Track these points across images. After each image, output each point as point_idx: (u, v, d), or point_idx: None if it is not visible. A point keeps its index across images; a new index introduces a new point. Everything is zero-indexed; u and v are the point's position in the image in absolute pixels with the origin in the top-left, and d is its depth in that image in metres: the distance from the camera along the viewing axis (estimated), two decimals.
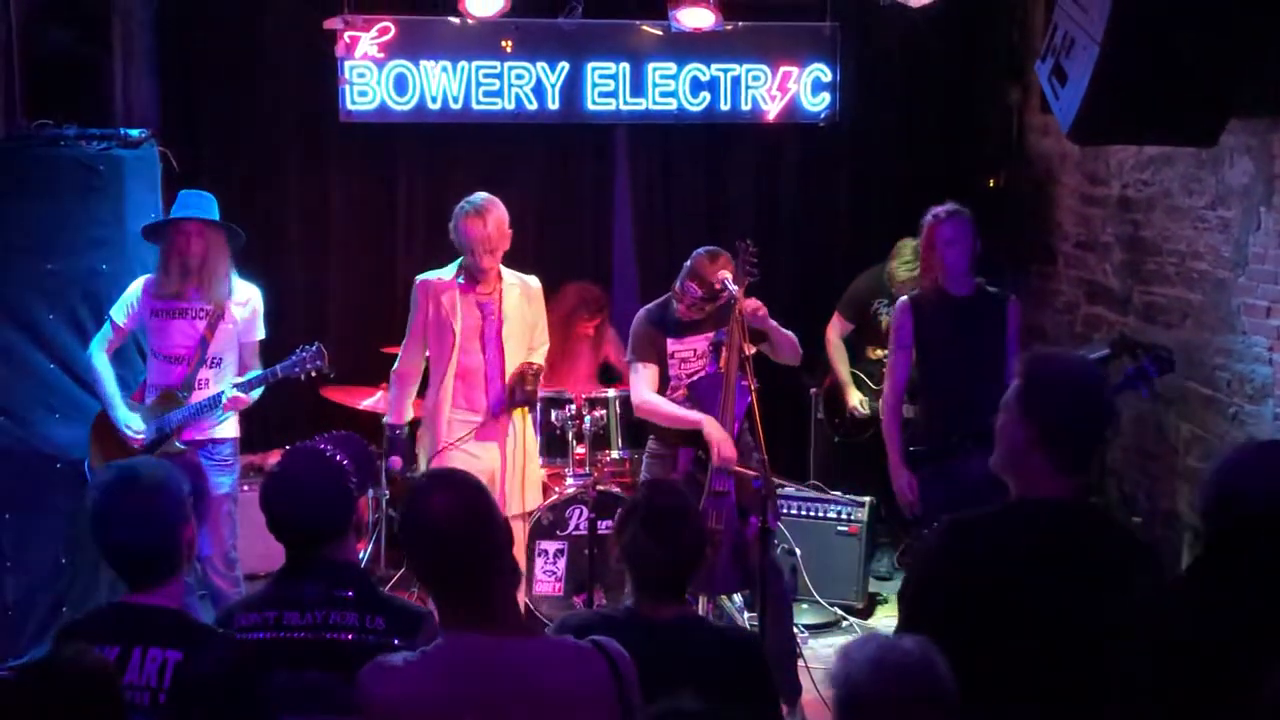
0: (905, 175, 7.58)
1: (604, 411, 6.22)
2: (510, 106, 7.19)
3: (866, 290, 6.93)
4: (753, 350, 5.22)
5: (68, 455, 5.70)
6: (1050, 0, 5.17)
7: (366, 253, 7.42)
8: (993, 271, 5.79)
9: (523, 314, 5.53)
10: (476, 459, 5.37)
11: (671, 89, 7.34)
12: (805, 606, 6.38)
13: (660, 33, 7.16)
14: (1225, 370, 5.73)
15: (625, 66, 7.28)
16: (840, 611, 6.49)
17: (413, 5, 7.16)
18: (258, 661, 2.91)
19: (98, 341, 5.54)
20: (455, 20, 6.94)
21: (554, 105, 7.24)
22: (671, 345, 5.46)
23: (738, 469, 5.19)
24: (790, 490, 6.56)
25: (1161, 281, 6.24)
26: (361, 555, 6.61)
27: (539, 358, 5.64)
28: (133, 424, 5.44)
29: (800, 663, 5.38)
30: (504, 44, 7.11)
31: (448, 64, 7.09)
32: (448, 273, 5.49)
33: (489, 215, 5.34)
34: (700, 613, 5.65)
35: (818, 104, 7.46)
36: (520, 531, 5.69)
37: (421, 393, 5.66)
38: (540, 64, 7.19)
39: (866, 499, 6.56)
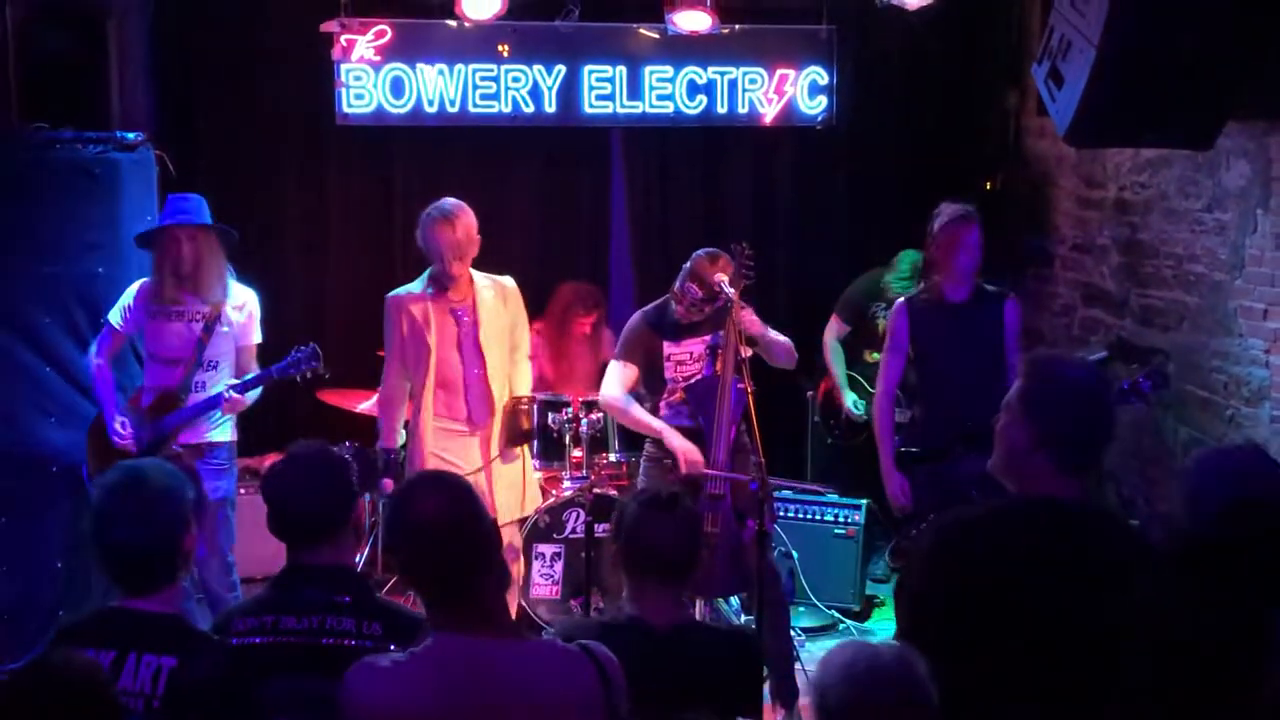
0: (902, 178, 7.59)
1: (601, 415, 6.21)
2: (507, 110, 7.19)
3: (864, 293, 6.93)
4: (749, 353, 5.22)
5: (63, 459, 5.70)
6: (1047, 3, 5.18)
7: (364, 256, 7.42)
8: (990, 274, 5.79)
9: (498, 315, 5.50)
10: (460, 469, 5.33)
11: (668, 92, 7.35)
12: (802, 609, 6.38)
13: (657, 36, 7.16)
14: (1222, 373, 5.74)
15: (622, 70, 7.28)
16: (837, 614, 6.49)
17: (409, 8, 7.15)
18: (254, 667, 2.90)
19: (96, 346, 5.54)
20: (452, 23, 6.94)
21: (551, 108, 7.24)
22: (668, 348, 5.45)
23: (709, 472, 5.21)
24: (788, 493, 6.57)
25: (1158, 284, 6.24)
26: (358, 559, 6.62)
27: (522, 360, 5.64)
28: (122, 429, 5.42)
29: (798, 666, 5.38)
30: (501, 47, 7.11)
31: (444, 67, 7.09)
32: (416, 285, 5.47)
33: (458, 221, 5.32)
34: (698, 616, 5.66)
35: (814, 107, 7.47)
36: (517, 537, 5.68)
37: None
38: (537, 67, 7.18)
39: (863, 501, 6.56)
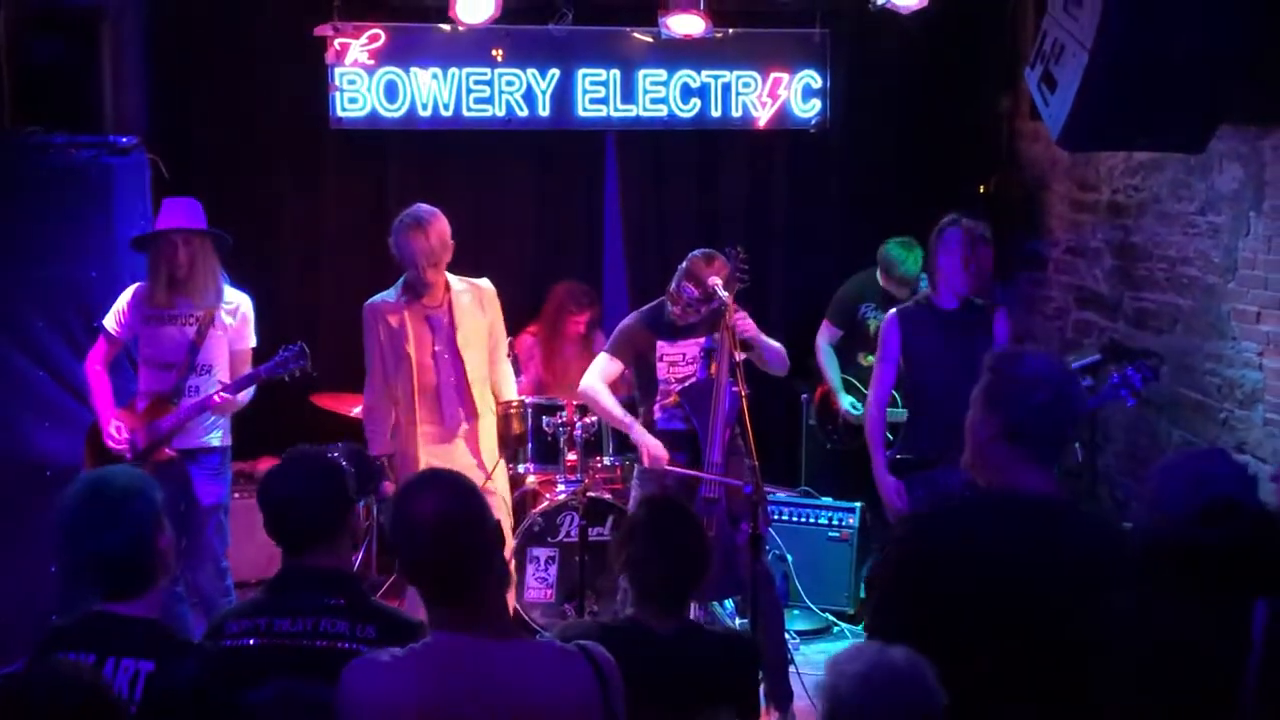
0: (896, 182, 7.59)
1: (595, 419, 6.21)
2: (501, 114, 7.20)
3: (853, 295, 6.94)
4: (742, 356, 5.23)
5: (57, 463, 5.68)
6: (1040, 6, 5.19)
7: (358, 259, 7.40)
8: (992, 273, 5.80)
9: (474, 318, 5.51)
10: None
11: (662, 96, 7.35)
12: (797, 612, 6.38)
13: (651, 39, 7.17)
14: (1215, 375, 5.74)
15: (616, 73, 7.29)
16: (831, 617, 6.49)
17: (403, 12, 7.15)
18: (247, 670, 2.89)
19: (93, 353, 5.53)
20: (446, 27, 6.94)
21: (545, 112, 7.25)
22: (662, 348, 5.46)
23: (690, 473, 5.24)
24: (781, 496, 6.58)
25: (1151, 287, 6.25)
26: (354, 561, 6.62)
27: (502, 361, 5.67)
28: (117, 433, 5.42)
29: (792, 669, 5.38)
30: (495, 51, 7.12)
31: (438, 71, 7.10)
32: (392, 294, 5.49)
33: (430, 228, 5.33)
34: (692, 618, 5.66)
35: (808, 110, 7.48)
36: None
37: None
38: (531, 71, 7.19)
39: (857, 504, 6.57)
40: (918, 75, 7.66)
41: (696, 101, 7.38)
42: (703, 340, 5.45)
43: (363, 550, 6.72)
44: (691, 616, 5.59)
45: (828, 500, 6.69)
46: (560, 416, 6.17)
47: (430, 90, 7.10)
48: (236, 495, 5.83)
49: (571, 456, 6.19)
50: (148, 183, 6.07)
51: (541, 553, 6.04)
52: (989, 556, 2.74)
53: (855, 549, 6.55)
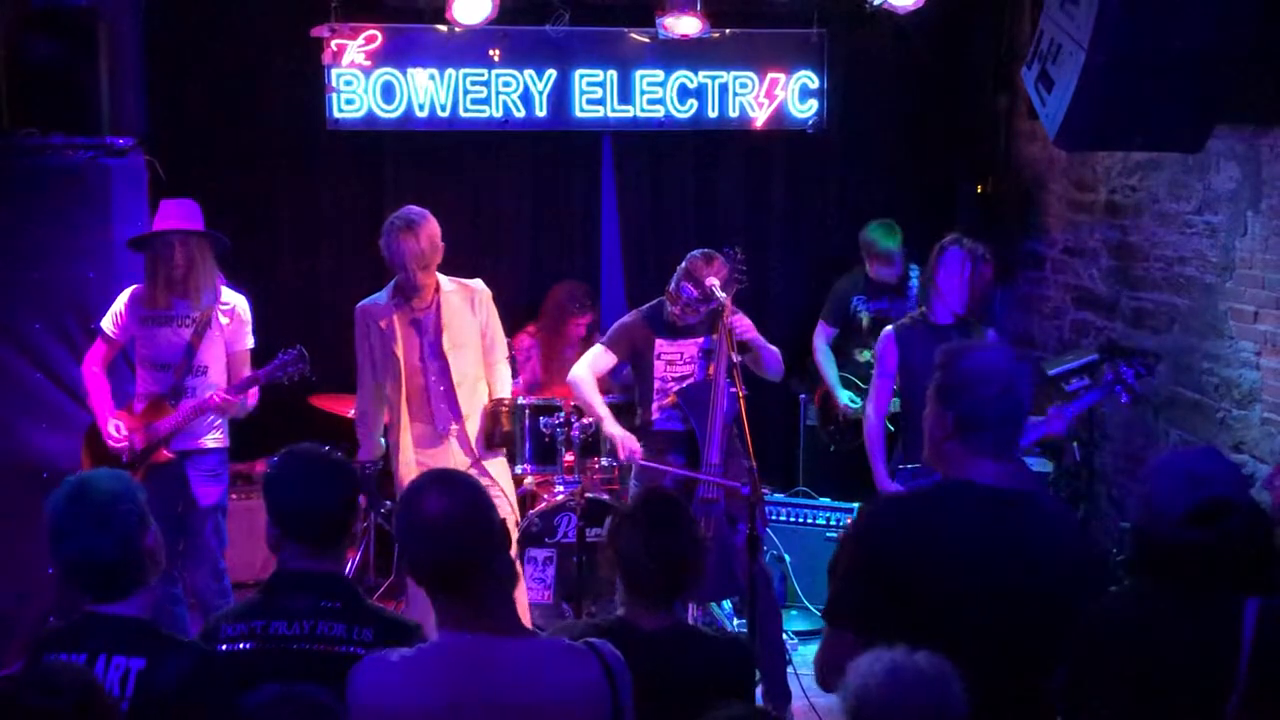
0: (893, 181, 7.60)
1: (593, 419, 6.20)
2: (498, 114, 7.19)
3: (843, 292, 7.01)
4: (739, 358, 5.23)
5: (54, 465, 5.67)
6: (1037, 6, 5.18)
7: (355, 261, 7.39)
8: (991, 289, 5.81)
9: (463, 318, 5.49)
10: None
11: (659, 96, 7.35)
12: (794, 613, 6.38)
13: (648, 40, 7.16)
14: (1213, 375, 5.75)
15: (613, 74, 7.28)
16: None
17: (400, 13, 7.14)
18: (242, 673, 2.89)
19: (90, 355, 5.52)
20: (443, 28, 6.94)
21: (542, 113, 7.24)
22: (661, 346, 5.46)
23: (663, 467, 5.24)
24: (779, 496, 6.57)
25: (1149, 287, 6.25)
26: (349, 563, 6.61)
27: (499, 363, 5.62)
28: (117, 431, 5.41)
29: (790, 669, 5.37)
30: (492, 52, 7.11)
31: (435, 72, 7.09)
32: (383, 296, 5.48)
33: (421, 230, 5.31)
34: (690, 619, 5.66)
35: (805, 110, 7.47)
36: None
37: None
38: (528, 72, 7.18)
39: (855, 505, 6.57)
40: (914, 75, 7.67)
41: (694, 102, 7.38)
42: (701, 341, 5.45)
43: (360, 552, 6.72)
44: (690, 618, 5.63)
45: (825, 501, 6.69)
46: (558, 417, 6.17)
47: (427, 91, 7.09)
48: (235, 496, 5.82)
49: (569, 457, 6.19)
50: (145, 184, 6.06)
51: (539, 553, 6.04)
52: (941, 542, 2.80)
53: None
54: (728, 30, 7.23)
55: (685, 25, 6.63)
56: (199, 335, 5.42)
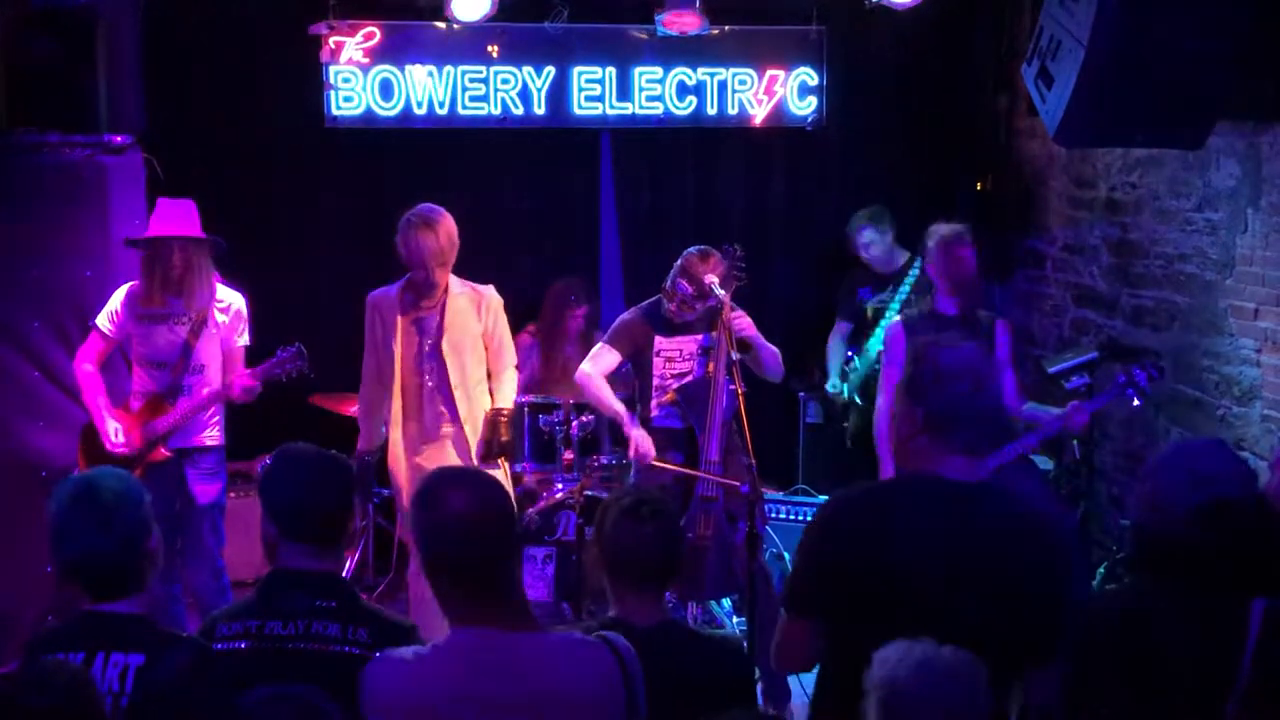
0: (892, 179, 7.58)
1: (592, 417, 6.19)
2: (496, 111, 7.18)
3: (850, 285, 7.03)
4: (739, 356, 5.21)
5: (51, 464, 5.67)
6: (1037, 3, 5.17)
7: (354, 258, 7.38)
8: (981, 275, 5.78)
9: (466, 322, 5.45)
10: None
11: (658, 93, 7.33)
12: None
13: (646, 37, 7.15)
14: (1213, 372, 5.74)
15: (611, 71, 7.27)
16: None
17: (398, 10, 7.13)
18: (233, 670, 2.88)
19: (84, 351, 5.51)
20: (441, 25, 6.93)
21: (540, 110, 7.23)
22: (660, 343, 5.45)
23: (666, 466, 5.22)
24: (778, 494, 6.56)
25: (1149, 284, 6.24)
26: (349, 562, 6.60)
27: (505, 371, 5.57)
28: (116, 435, 5.40)
29: None
30: (490, 49, 7.10)
31: (433, 69, 7.07)
32: (394, 289, 5.47)
33: (440, 227, 5.28)
34: (690, 618, 5.66)
35: (804, 107, 7.46)
36: None
37: None
38: (526, 68, 7.17)
39: None
40: (914, 72, 7.65)
41: (692, 99, 7.37)
42: (700, 338, 5.44)
43: (359, 551, 6.71)
44: (690, 616, 5.63)
45: (824, 499, 6.66)
46: (557, 415, 6.16)
47: (425, 88, 7.07)
48: (233, 495, 5.81)
49: (568, 455, 6.18)
50: (142, 181, 6.05)
51: (539, 552, 6.03)
52: (902, 534, 2.79)
53: None
54: (727, 27, 7.22)
55: (684, 22, 6.62)
56: (196, 333, 5.41)
